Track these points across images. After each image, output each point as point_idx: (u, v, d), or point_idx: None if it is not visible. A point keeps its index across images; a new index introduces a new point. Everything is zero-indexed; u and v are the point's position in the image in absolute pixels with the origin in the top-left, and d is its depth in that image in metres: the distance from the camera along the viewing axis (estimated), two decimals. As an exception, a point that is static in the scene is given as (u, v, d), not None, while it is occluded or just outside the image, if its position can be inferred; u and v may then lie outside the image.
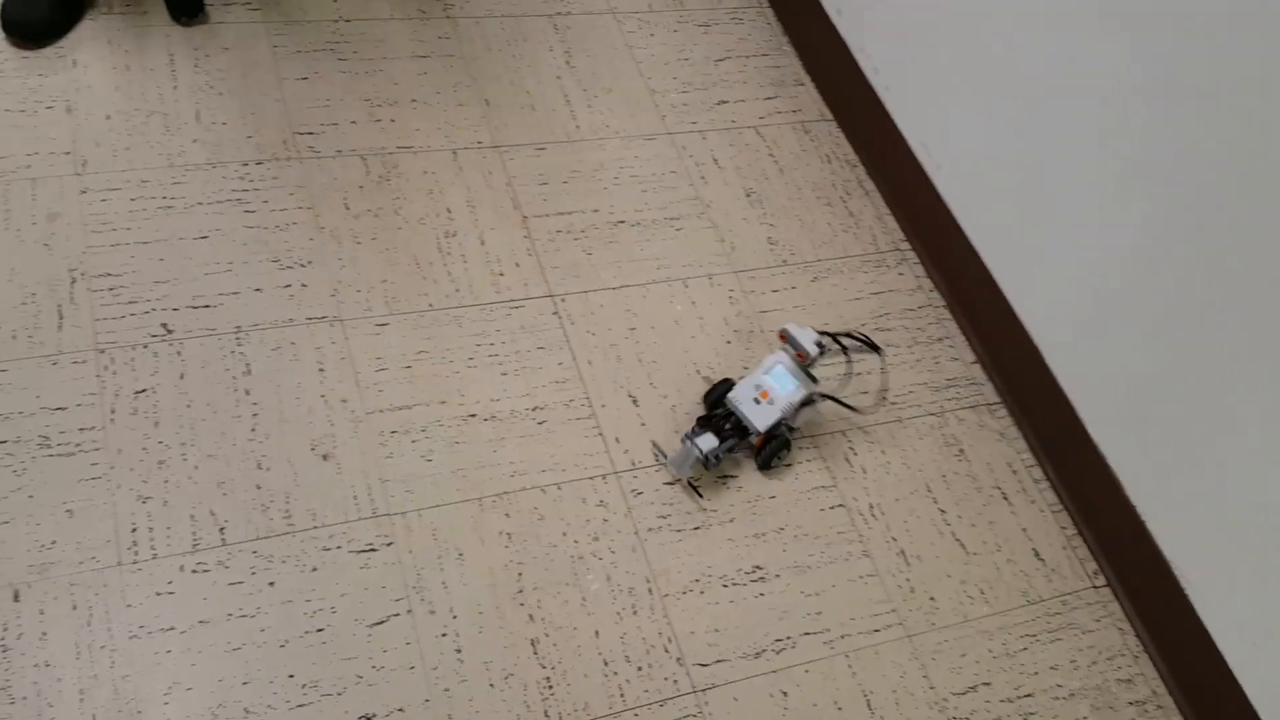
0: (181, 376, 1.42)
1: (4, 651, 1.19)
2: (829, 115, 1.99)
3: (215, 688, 1.21)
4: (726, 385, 1.53)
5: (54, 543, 1.27)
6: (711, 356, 1.62)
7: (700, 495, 1.49)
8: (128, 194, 1.56)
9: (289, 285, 1.54)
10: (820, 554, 1.48)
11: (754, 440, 1.50)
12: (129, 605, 1.25)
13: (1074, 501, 1.59)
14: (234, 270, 1.53)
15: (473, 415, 1.49)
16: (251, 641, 1.25)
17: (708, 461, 1.45)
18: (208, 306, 1.49)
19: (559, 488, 1.45)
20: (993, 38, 1.64)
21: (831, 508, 1.52)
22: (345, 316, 1.53)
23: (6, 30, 1.64)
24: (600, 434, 1.51)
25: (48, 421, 1.35)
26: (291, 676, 1.24)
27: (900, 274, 1.80)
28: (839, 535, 1.51)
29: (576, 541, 1.41)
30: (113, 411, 1.37)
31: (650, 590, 1.39)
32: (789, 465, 1.54)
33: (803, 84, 2.02)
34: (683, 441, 1.46)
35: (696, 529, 1.46)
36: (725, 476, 1.51)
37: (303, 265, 1.56)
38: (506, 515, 1.41)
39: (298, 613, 1.28)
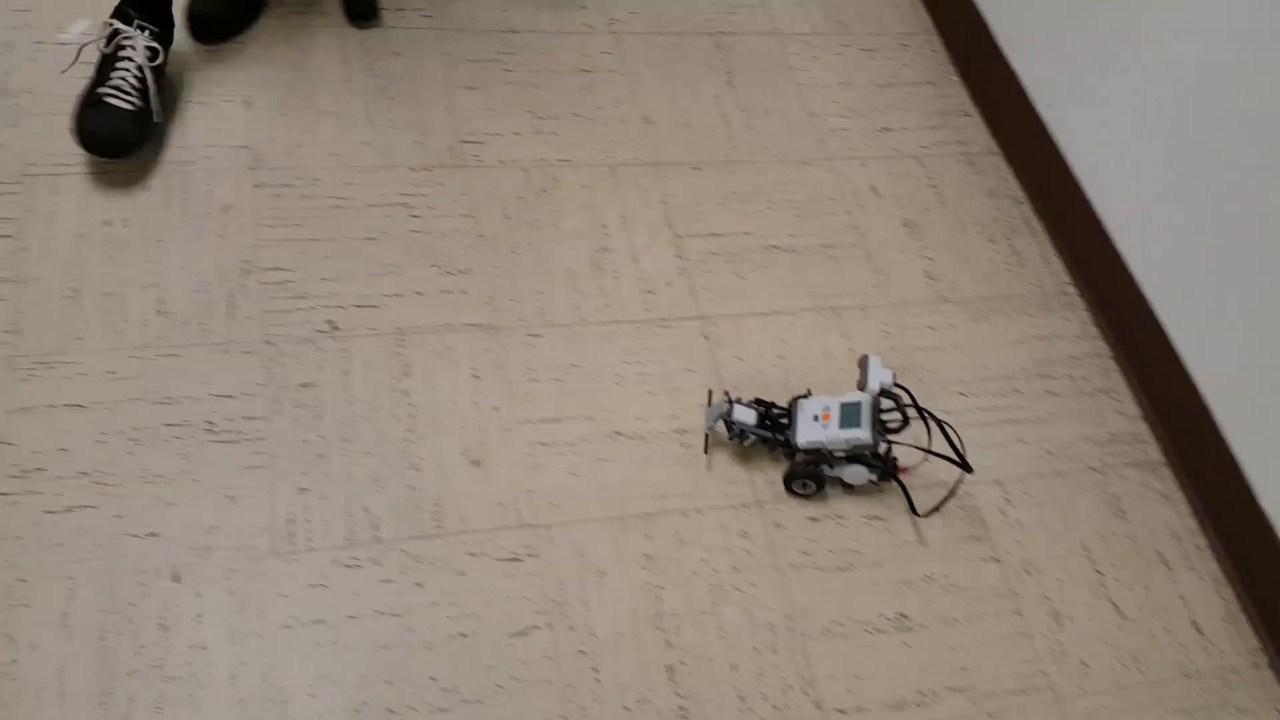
0: (345, 373, 1.45)
1: (163, 630, 1.23)
2: (996, 149, 1.93)
3: (360, 684, 1.23)
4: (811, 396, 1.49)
5: (215, 527, 1.31)
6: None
7: (706, 451, 1.47)
8: (300, 191, 1.61)
9: (448, 291, 1.56)
10: (969, 608, 1.43)
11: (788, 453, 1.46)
12: (282, 595, 1.28)
13: (1239, 573, 1.51)
14: (397, 273, 1.56)
15: (619, 433, 1.48)
16: (398, 641, 1.27)
17: (731, 428, 1.44)
18: (372, 306, 1.52)
19: (701, 514, 1.44)
20: (1183, 72, 1.57)
21: (983, 560, 1.48)
22: (500, 325, 1.54)
23: (191, 26, 1.71)
24: (745, 463, 1.49)
25: (215, 408, 1.39)
26: (434, 679, 1.25)
27: (1065, 319, 1.73)
28: (989, 589, 1.45)
29: (716, 570, 1.39)
30: (277, 403, 1.41)
31: (790, 628, 1.36)
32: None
33: (969, 115, 1.97)
34: (726, 397, 1.45)
35: (841, 569, 1.42)
36: (874, 517, 1.47)
37: (462, 272, 1.58)
38: (648, 537, 1.40)
39: (443, 616, 1.29)
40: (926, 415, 1.46)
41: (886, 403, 1.45)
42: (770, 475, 1.48)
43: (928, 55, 2.04)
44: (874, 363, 1.44)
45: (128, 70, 1.49)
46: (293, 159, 1.64)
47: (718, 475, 1.47)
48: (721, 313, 1.62)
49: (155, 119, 1.53)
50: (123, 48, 1.50)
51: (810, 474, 1.44)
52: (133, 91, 1.49)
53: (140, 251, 1.49)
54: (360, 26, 1.81)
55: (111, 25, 1.50)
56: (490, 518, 1.38)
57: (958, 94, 2.00)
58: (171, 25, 1.60)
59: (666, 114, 1.83)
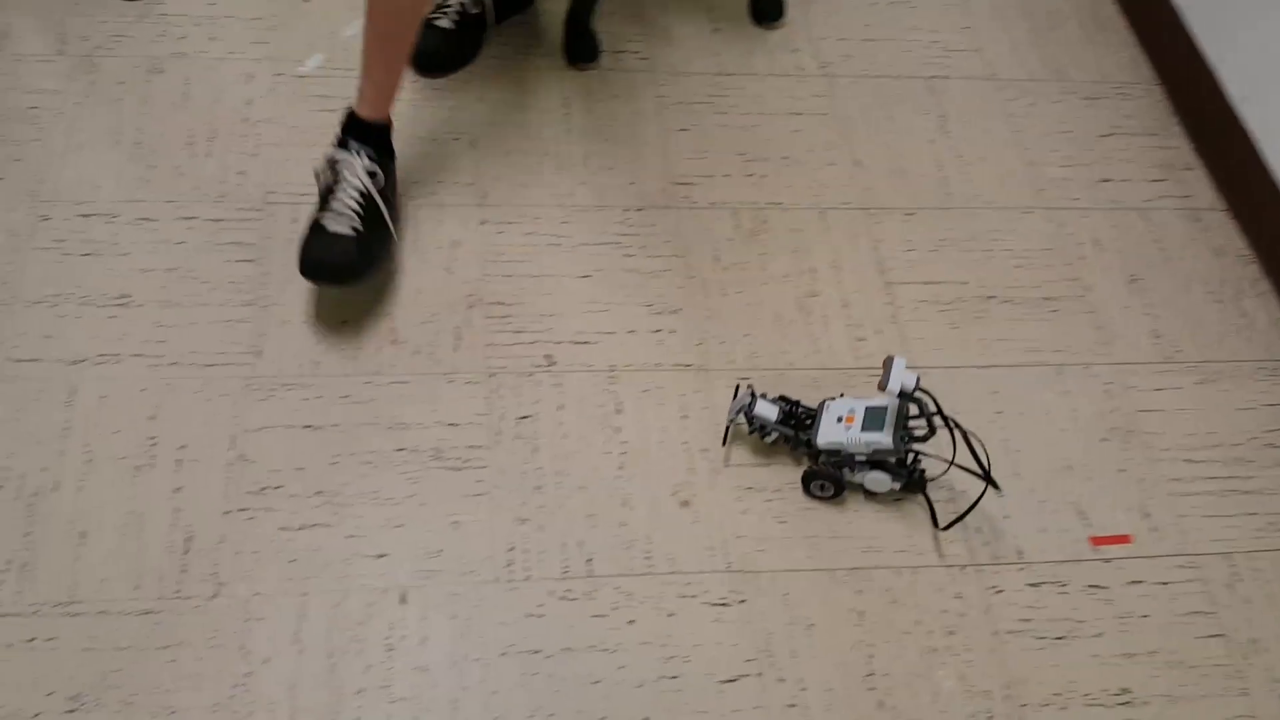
0: (560, 408, 1.48)
1: (389, 651, 1.27)
2: (1222, 205, 1.84)
3: (575, 718, 1.25)
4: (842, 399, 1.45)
5: (440, 551, 1.35)
6: (1084, 453, 1.53)
7: (724, 443, 1.46)
8: (521, 228, 1.66)
9: (659, 330, 1.58)
10: (1194, 685, 1.36)
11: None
12: (502, 623, 1.30)
13: None
14: (610, 310, 1.59)
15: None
16: (610, 678, 1.28)
17: (751, 421, 1.43)
18: (586, 343, 1.55)
19: (914, 572, 1.40)
20: None
21: (1209, 636, 1.39)
22: (709, 367, 1.55)
23: (415, 61, 1.78)
24: (961, 521, 1.45)
25: (441, 435, 1.44)
26: (646, 719, 1.26)
27: (1302, 387, 1.64)
28: (1215, 668, 1.37)
29: (930, 632, 1.36)
30: (498, 434, 1.45)
31: (1007, 697, 1.32)
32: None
33: (1192, 169, 1.89)
34: (750, 391, 1.45)
35: (1060, 638, 1.37)
36: (1095, 586, 1.41)
37: (672, 312, 1.60)
38: (859, 592, 1.38)
39: (654, 656, 1.30)
40: (951, 424, 1.38)
41: (916, 410, 1.38)
42: (986, 536, 1.44)
43: (1150, 106, 1.97)
44: (898, 364, 1.36)
45: (349, 195, 1.46)
46: (516, 197, 1.69)
47: (932, 532, 1.44)
48: (934, 364, 1.59)
49: (391, 235, 1.53)
50: (342, 174, 1.47)
51: (829, 476, 1.42)
52: (353, 215, 1.45)
53: (374, 282, 1.56)
54: (580, 69, 1.86)
55: (329, 153, 1.49)
56: (699, 560, 1.38)
57: (1181, 147, 1.92)
58: (392, 156, 1.57)
59: (878, 158, 1.82)
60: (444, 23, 1.78)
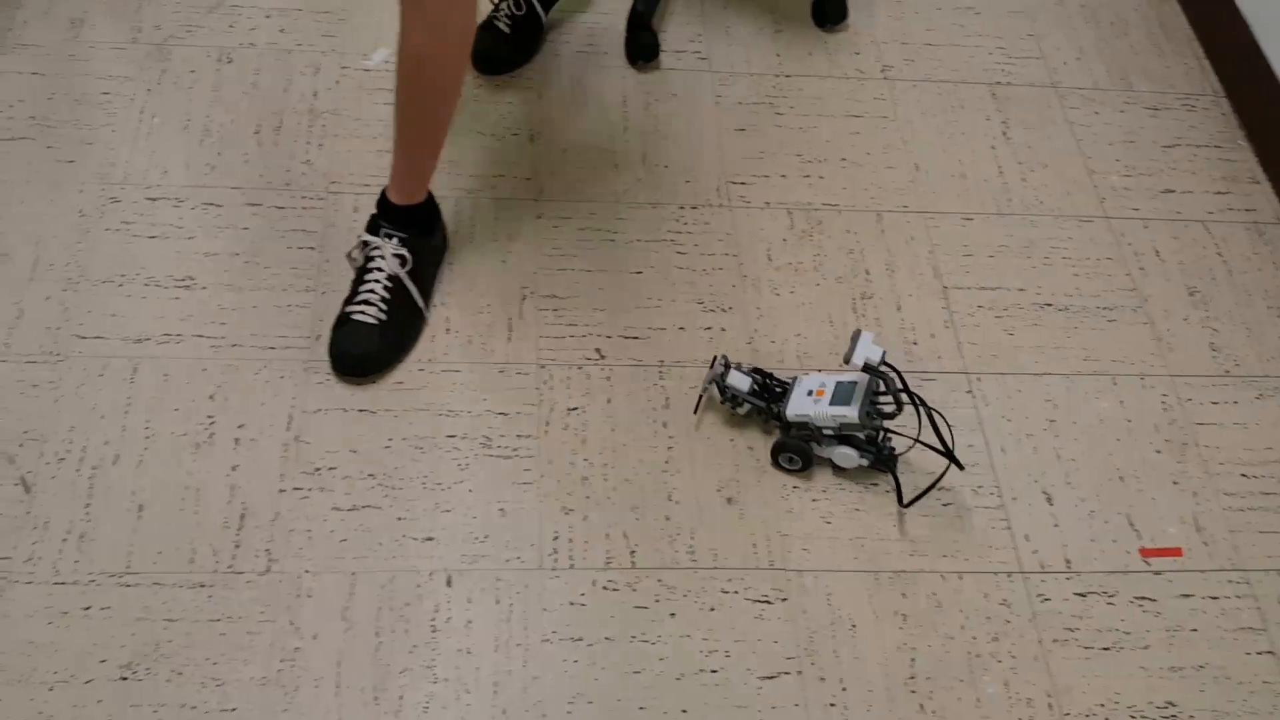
0: (609, 401, 1.49)
1: (434, 632, 1.29)
2: (1289, 218, 1.81)
3: (614, 707, 1.26)
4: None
5: (486, 537, 1.36)
6: (1138, 464, 1.51)
7: (695, 411, 1.48)
8: (577, 223, 1.67)
9: (709, 328, 1.58)
10: (1242, 702, 1.33)
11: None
12: (545, 609, 1.32)
13: None
14: (662, 307, 1.60)
15: (875, 485, 1.46)
16: (650, 669, 1.29)
17: (724, 392, 1.45)
18: (636, 338, 1.56)
19: (960, 577, 1.39)
20: None
21: (1259, 653, 1.37)
22: (760, 365, 1.55)
23: (474, 60, 1.80)
24: (1009, 528, 1.44)
25: (491, 424, 1.46)
26: (685, 711, 1.26)
27: (1369, 405, 1.60)
28: (1264, 685, 1.35)
29: (975, 638, 1.34)
30: (547, 424, 1.46)
31: (1051, 705, 1.30)
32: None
33: (1258, 182, 1.85)
34: (723, 361, 1.46)
35: (1106, 649, 1.35)
36: (1143, 598, 1.39)
37: (724, 310, 1.60)
38: (903, 595, 1.37)
39: (694, 649, 1.30)
40: (917, 400, 1.38)
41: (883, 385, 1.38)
42: (1035, 544, 1.42)
43: (1216, 118, 1.93)
44: (865, 338, 1.35)
45: (377, 282, 1.46)
46: (572, 193, 1.70)
47: (979, 539, 1.42)
48: (989, 370, 1.58)
49: (421, 316, 1.51)
50: (371, 259, 1.47)
51: (798, 449, 1.42)
52: (380, 304, 1.45)
53: (442, 270, 1.58)
54: (640, 68, 1.87)
55: (361, 238, 1.49)
56: (742, 556, 1.38)
57: (1246, 160, 1.88)
58: (431, 230, 1.54)
59: (938, 162, 1.81)
60: (501, 24, 1.81)
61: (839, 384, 1.41)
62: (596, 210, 1.69)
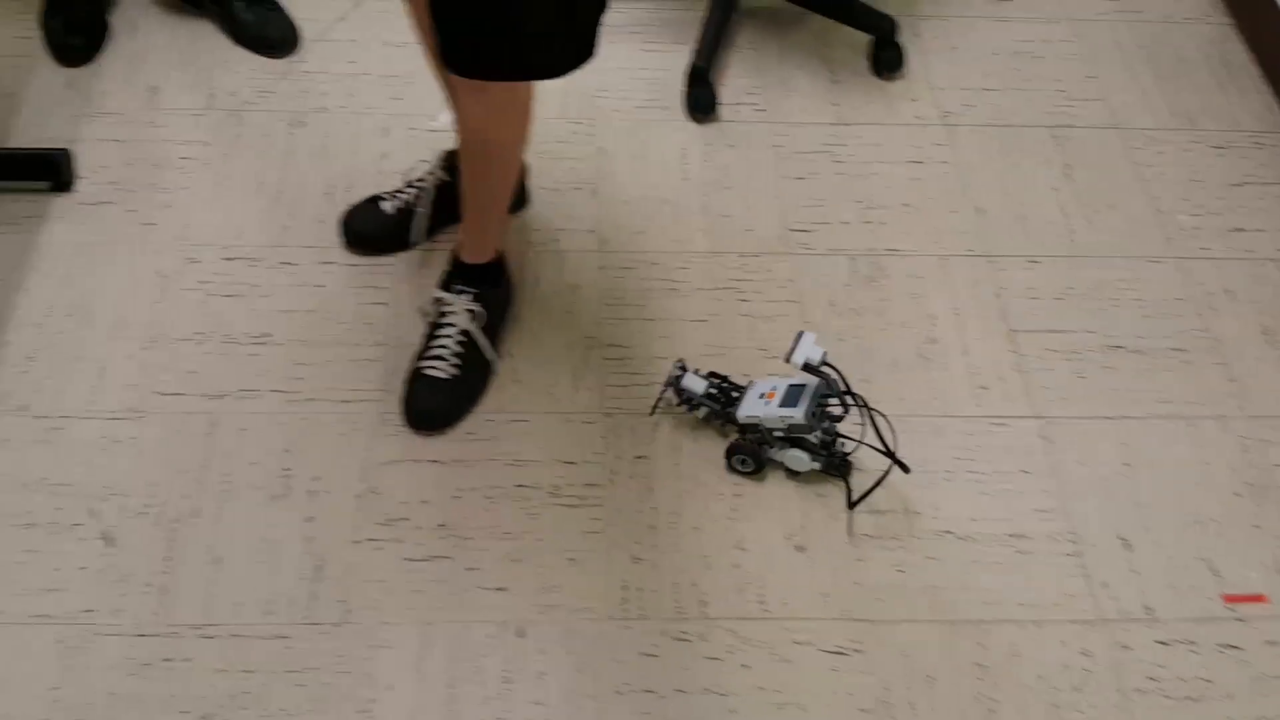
0: (675, 449, 1.50)
1: (507, 684, 1.29)
2: (1365, 254, 1.77)
3: (688, 761, 1.25)
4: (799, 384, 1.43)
5: (557, 587, 1.37)
6: (1217, 508, 1.47)
7: (652, 413, 1.51)
8: (639, 274, 1.69)
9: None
10: (1340, 756, 1.28)
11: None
12: (617, 661, 1.31)
13: None
14: (725, 355, 1.60)
15: (949, 532, 1.44)
16: (723, 722, 1.27)
17: (680, 394, 1.48)
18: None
19: (1038, 626, 1.37)
20: None
21: (1357, 705, 1.32)
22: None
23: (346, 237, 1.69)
24: (1085, 575, 1.41)
25: (558, 473, 1.47)
26: (760, 766, 1.25)
27: None
28: (1364, 738, 1.30)
29: (1055, 689, 1.31)
30: (614, 473, 1.47)
31: (1138, 757, 1.27)
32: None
33: (1332, 217, 1.82)
34: (679, 365, 1.49)
35: (1191, 699, 1.31)
36: (1228, 646, 1.35)
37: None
38: (980, 645, 1.35)
39: (767, 702, 1.29)
40: (859, 401, 1.39)
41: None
42: (1114, 591, 1.39)
43: (1286, 153, 1.91)
44: (806, 338, 1.37)
45: (449, 337, 1.48)
46: (633, 243, 1.72)
47: (1055, 587, 1.40)
48: (1061, 414, 1.56)
49: (491, 369, 1.53)
50: (444, 315, 1.49)
51: (749, 451, 1.44)
52: (452, 359, 1.48)
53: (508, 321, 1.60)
54: (699, 120, 1.90)
55: (434, 294, 1.51)
56: (814, 607, 1.37)
57: (1320, 194, 1.85)
58: (499, 283, 1.56)
59: (1000, 205, 1.80)
60: (387, 206, 1.67)
61: (790, 386, 1.43)
62: (658, 260, 1.71)
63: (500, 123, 1.32)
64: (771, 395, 1.42)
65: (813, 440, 1.43)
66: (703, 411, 1.49)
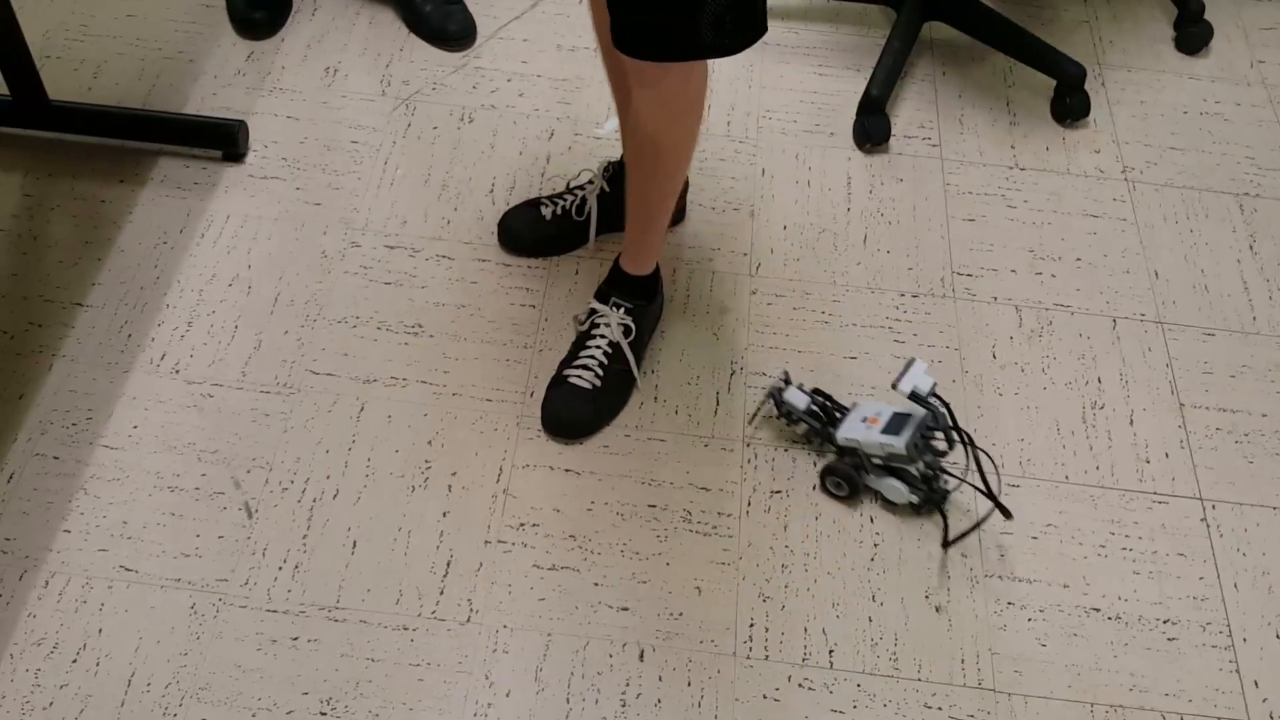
0: (813, 488, 1.46)
1: (623, 706, 1.27)
2: None
3: (803, 814, 1.20)
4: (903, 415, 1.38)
5: (680, 614, 1.34)
6: (1398, 621, 1.37)
7: (750, 420, 1.49)
8: (791, 302, 1.65)
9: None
10: None
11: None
12: (737, 699, 1.28)
13: None
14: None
15: (1096, 609, 1.37)
16: (844, 778, 1.23)
17: (780, 407, 1.45)
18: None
19: (1181, 719, 1.29)
20: None
21: None
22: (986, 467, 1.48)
23: (503, 240, 1.68)
24: (1237, 671, 1.32)
25: (692, 498, 1.44)
26: (877, 830, 1.20)
27: None
28: None
29: (1203, 790, 1.23)
30: (749, 504, 1.44)
31: None
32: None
33: None
34: (783, 376, 1.47)
35: (1355, 826, 1.22)
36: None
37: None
38: (1122, 732, 1.27)
39: (891, 764, 1.24)
40: (965, 438, 1.34)
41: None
42: (1265, 691, 1.30)
43: None
44: (917, 366, 1.33)
45: (598, 348, 1.48)
46: (788, 270, 1.69)
47: (1204, 680, 1.31)
48: (1225, 498, 1.47)
49: (634, 382, 1.52)
50: (596, 325, 1.50)
51: (846, 474, 1.41)
52: (597, 369, 1.47)
53: (654, 338, 1.58)
54: (868, 150, 1.85)
55: (590, 305, 1.52)
56: (948, 671, 1.31)
57: None
58: (653, 299, 1.54)
59: (1179, 271, 1.71)
60: (545, 211, 1.66)
61: (895, 414, 1.38)
62: (812, 290, 1.67)
63: (671, 119, 1.29)
64: (875, 420, 1.39)
65: (913, 472, 1.39)
66: (801, 428, 1.48)
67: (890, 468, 1.40)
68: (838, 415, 1.46)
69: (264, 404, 1.49)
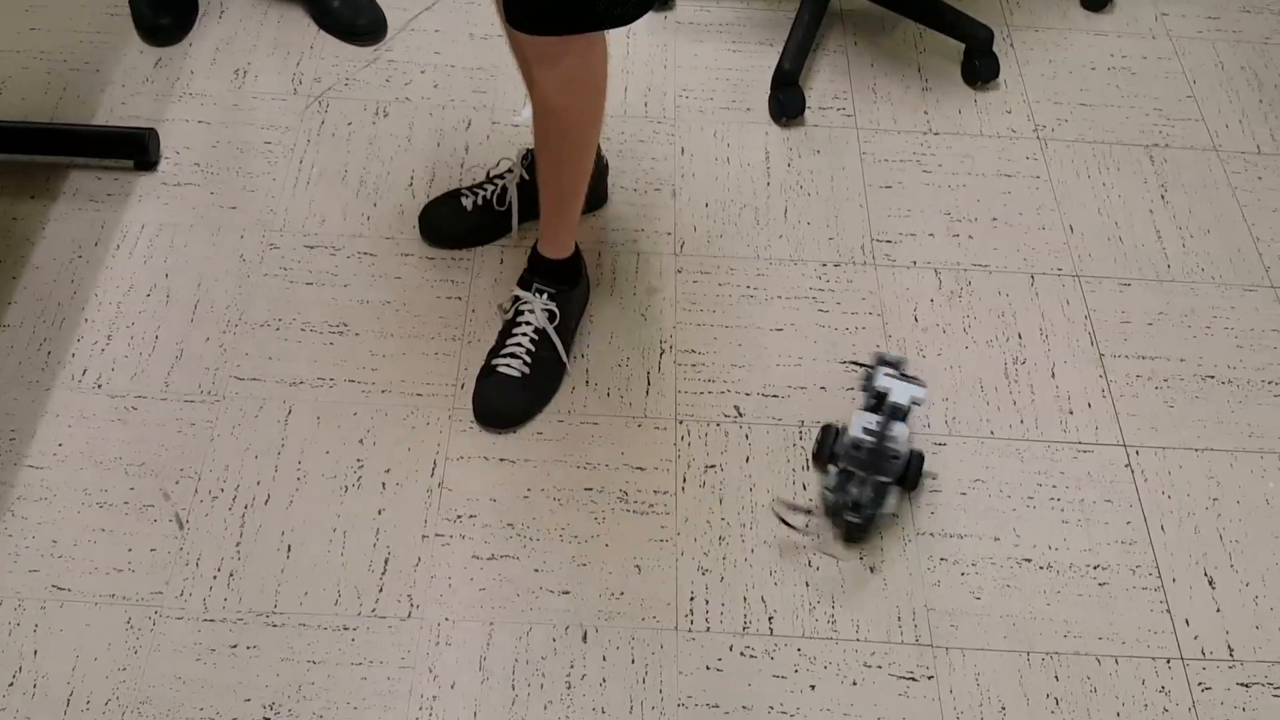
0: (747, 459, 1.47)
1: (569, 689, 1.28)
2: None
3: (751, 780, 1.22)
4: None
5: (622, 594, 1.35)
6: (1313, 550, 1.41)
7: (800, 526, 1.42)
8: (716, 279, 1.66)
9: (852, 389, 1.55)
10: None
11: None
12: (681, 673, 1.29)
13: None
14: (803, 366, 1.57)
15: (1028, 560, 1.40)
16: (789, 743, 1.25)
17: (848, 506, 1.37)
18: (776, 396, 1.53)
19: (1116, 661, 1.32)
20: None
21: None
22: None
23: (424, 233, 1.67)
24: (1168, 611, 1.36)
25: (628, 478, 1.45)
26: (824, 790, 1.22)
27: None
28: None
29: (1135, 726, 1.27)
30: (684, 481, 1.45)
31: (1221, 807, 1.22)
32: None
33: None
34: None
35: (1281, 749, 1.26)
36: (1323, 696, 1.30)
37: (867, 370, 1.57)
38: (1055, 678, 1.30)
39: (835, 725, 1.26)
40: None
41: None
42: (1196, 629, 1.34)
43: (1396, 180, 1.83)
44: (897, 380, 1.39)
45: (524, 335, 1.48)
46: (712, 248, 1.70)
47: (1136, 621, 1.35)
48: (1148, 443, 1.51)
49: (563, 368, 1.52)
50: (521, 313, 1.49)
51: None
52: (525, 356, 1.47)
53: (583, 322, 1.59)
54: (784, 124, 1.86)
55: (513, 292, 1.51)
56: (885, 629, 1.34)
57: None
58: (576, 283, 1.54)
59: (1093, 224, 1.75)
60: (466, 202, 1.66)
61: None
62: (737, 266, 1.68)
63: (573, 95, 1.29)
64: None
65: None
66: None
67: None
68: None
69: (189, 413, 1.47)
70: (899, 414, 1.37)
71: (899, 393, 1.38)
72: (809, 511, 1.42)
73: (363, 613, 1.31)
